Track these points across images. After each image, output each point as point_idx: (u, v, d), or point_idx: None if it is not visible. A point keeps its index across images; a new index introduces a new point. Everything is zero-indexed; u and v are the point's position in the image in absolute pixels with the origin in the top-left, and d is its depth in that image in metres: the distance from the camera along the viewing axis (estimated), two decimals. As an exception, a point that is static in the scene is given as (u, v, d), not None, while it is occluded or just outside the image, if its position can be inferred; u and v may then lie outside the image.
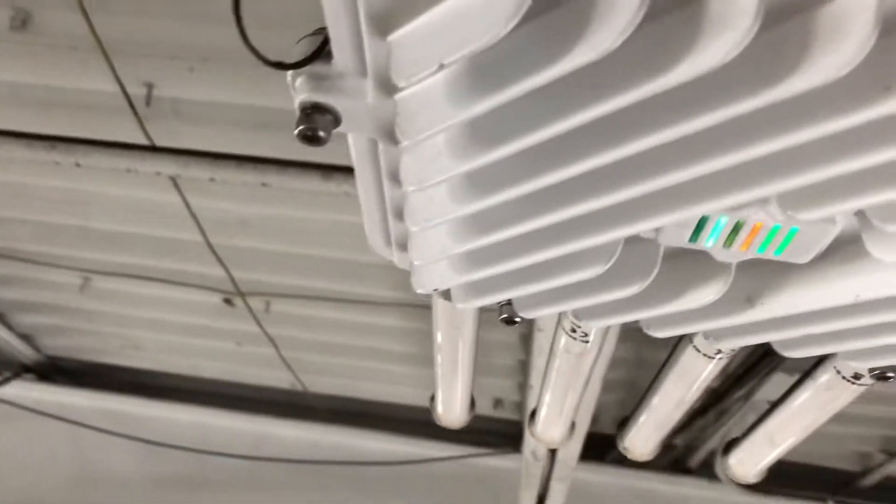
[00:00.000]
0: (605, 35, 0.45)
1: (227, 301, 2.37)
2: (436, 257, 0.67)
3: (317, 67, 0.59)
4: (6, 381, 2.68)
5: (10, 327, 2.66)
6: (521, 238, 0.64)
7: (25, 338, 2.72)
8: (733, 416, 2.32)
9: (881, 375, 0.78)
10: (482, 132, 0.57)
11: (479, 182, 0.60)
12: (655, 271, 0.67)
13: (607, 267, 0.65)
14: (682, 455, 2.57)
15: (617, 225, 0.61)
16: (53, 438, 2.76)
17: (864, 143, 0.50)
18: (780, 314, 0.69)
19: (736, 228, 0.63)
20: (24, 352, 2.75)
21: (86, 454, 2.85)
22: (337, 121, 0.60)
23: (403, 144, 0.58)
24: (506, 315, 0.80)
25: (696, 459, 2.51)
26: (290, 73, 0.60)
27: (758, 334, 0.73)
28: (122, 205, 2.00)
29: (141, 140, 1.73)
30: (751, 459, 1.24)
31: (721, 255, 0.67)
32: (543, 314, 0.73)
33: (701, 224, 0.63)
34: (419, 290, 0.73)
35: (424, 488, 2.75)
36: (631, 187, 0.57)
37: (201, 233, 2.00)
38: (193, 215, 1.96)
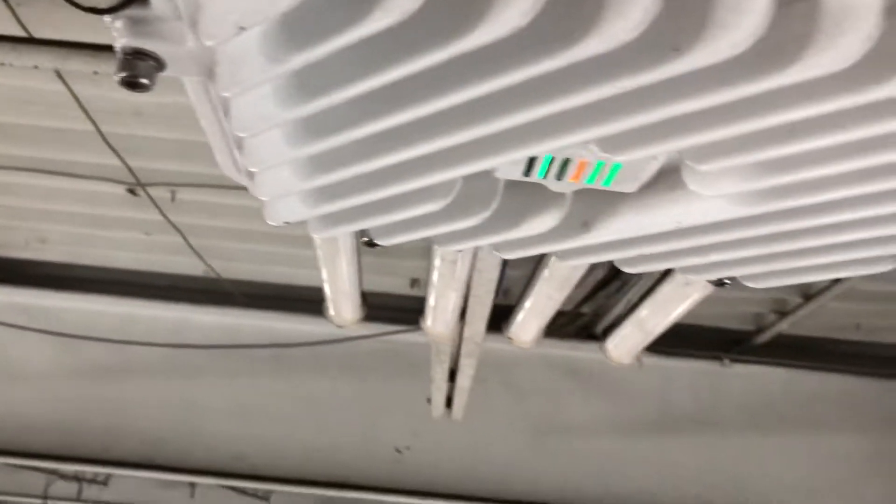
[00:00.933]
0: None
1: (131, 192, 2.33)
2: (281, 194, 0.69)
3: (135, 11, 0.58)
4: None
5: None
6: (363, 175, 0.66)
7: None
8: (634, 286, 2.44)
9: (718, 283, 0.85)
10: (307, 82, 0.57)
11: (313, 126, 0.62)
12: (495, 203, 0.70)
13: (448, 202, 0.68)
14: (590, 322, 2.69)
15: (450, 165, 0.63)
16: (-37, 336, 2.74)
17: (662, 97, 0.53)
18: (613, 238, 0.73)
19: (564, 164, 0.66)
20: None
21: (1, 351, 2.84)
22: (160, 65, 0.59)
23: (226, 94, 0.58)
24: (366, 238, 0.83)
25: (603, 326, 2.64)
26: (106, 17, 0.59)
27: (599, 254, 0.78)
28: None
29: (16, 31, 1.64)
30: (625, 344, 1.33)
31: (555, 186, 0.70)
32: (399, 241, 0.76)
33: (532, 161, 0.66)
34: (271, 223, 0.75)
35: (344, 366, 2.84)
36: (457, 133, 0.59)
37: (92, 123, 1.94)
38: (82, 106, 1.90)
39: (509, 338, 1.35)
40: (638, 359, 1.35)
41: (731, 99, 0.52)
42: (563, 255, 0.81)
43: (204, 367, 2.95)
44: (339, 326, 1.37)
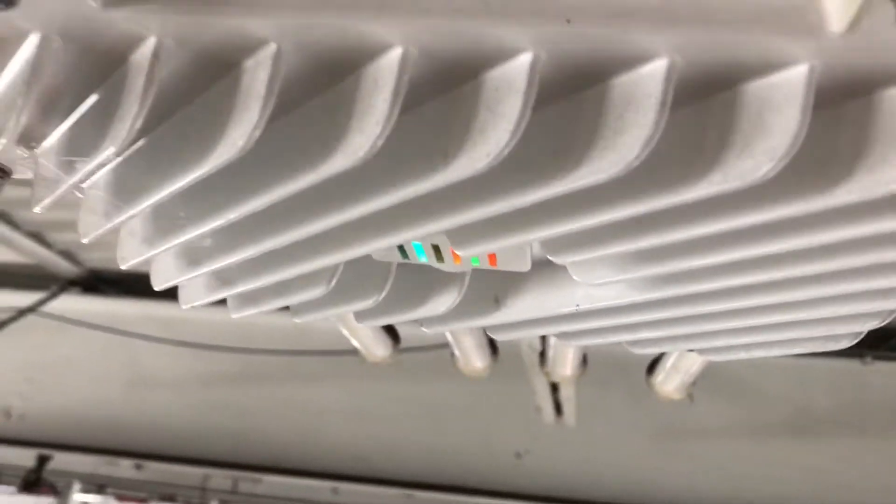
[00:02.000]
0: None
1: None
2: (173, 282, 0.69)
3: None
4: (54, 295, 2.89)
5: (49, 245, 2.83)
6: (235, 267, 0.65)
7: (65, 254, 2.90)
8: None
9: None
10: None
11: (162, 227, 0.61)
12: (388, 286, 0.67)
13: (329, 288, 0.65)
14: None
15: (305, 259, 0.60)
16: (105, 346, 3.00)
17: (465, 198, 0.48)
18: (524, 317, 0.67)
19: (436, 249, 0.61)
20: (66, 267, 2.94)
21: (137, 360, 3.08)
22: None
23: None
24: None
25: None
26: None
27: (522, 331, 0.73)
28: None
29: None
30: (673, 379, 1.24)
31: (447, 267, 0.65)
32: (314, 319, 0.74)
33: (402, 248, 0.62)
34: (184, 306, 0.75)
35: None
36: (293, 232, 0.56)
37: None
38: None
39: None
40: (689, 393, 1.26)
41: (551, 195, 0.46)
42: (491, 330, 0.76)
43: (324, 373, 3.05)
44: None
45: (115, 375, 3.11)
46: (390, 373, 2.95)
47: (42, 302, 2.91)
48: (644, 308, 0.62)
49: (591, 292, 0.62)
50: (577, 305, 0.62)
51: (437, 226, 0.52)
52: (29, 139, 0.55)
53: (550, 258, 0.55)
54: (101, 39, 0.45)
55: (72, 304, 2.99)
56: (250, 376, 3.08)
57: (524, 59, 0.42)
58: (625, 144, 0.41)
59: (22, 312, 2.97)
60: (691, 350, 0.75)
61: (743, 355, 0.69)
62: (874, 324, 0.61)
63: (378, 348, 1.31)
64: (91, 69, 0.48)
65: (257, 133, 0.44)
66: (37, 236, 2.82)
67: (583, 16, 0.39)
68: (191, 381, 3.11)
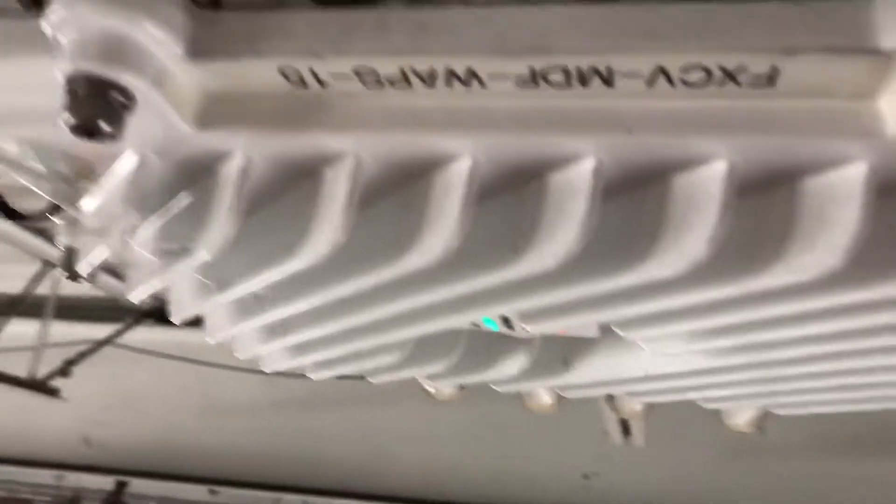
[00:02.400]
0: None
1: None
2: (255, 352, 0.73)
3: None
4: (129, 327, 2.99)
5: (122, 279, 2.94)
6: (317, 339, 0.68)
7: (139, 288, 3.00)
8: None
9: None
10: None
11: (246, 306, 0.64)
12: (459, 352, 0.69)
13: (405, 355, 0.68)
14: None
15: (387, 332, 0.64)
16: (179, 375, 3.08)
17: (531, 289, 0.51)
18: (592, 379, 0.69)
19: (506, 319, 0.64)
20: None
21: (209, 387, 3.16)
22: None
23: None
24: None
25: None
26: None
27: (591, 390, 0.74)
28: None
29: None
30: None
31: (516, 333, 0.68)
32: (384, 380, 0.77)
33: (474, 318, 0.65)
34: (267, 371, 0.79)
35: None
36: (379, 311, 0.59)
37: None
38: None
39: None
40: (759, 426, 1.24)
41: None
42: (559, 389, 0.77)
43: (393, 398, 3.09)
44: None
45: (188, 403, 3.20)
46: (458, 393, 2.99)
47: (118, 333, 3.01)
48: (713, 372, 0.63)
49: (660, 358, 0.63)
50: (646, 372, 0.64)
51: (506, 308, 0.55)
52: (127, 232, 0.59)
53: (619, 333, 0.57)
54: (194, 155, 0.49)
55: (146, 335, 3.10)
56: (320, 402, 3.14)
57: (587, 165, 0.44)
58: (689, 243, 0.43)
59: (99, 344, 3.07)
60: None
61: (815, 410, 0.70)
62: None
63: (447, 388, 1.34)
64: (184, 177, 0.52)
65: (340, 240, 0.47)
66: (112, 272, 2.93)
67: (643, 126, 0.42)
68: (262, 408, 3.19)
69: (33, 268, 2.78)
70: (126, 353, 3.02)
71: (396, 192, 0.50)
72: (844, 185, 0.42)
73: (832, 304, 0.47)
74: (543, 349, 0.70)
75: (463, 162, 0.45)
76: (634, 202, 0.47)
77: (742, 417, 1.28)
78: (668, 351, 0.59)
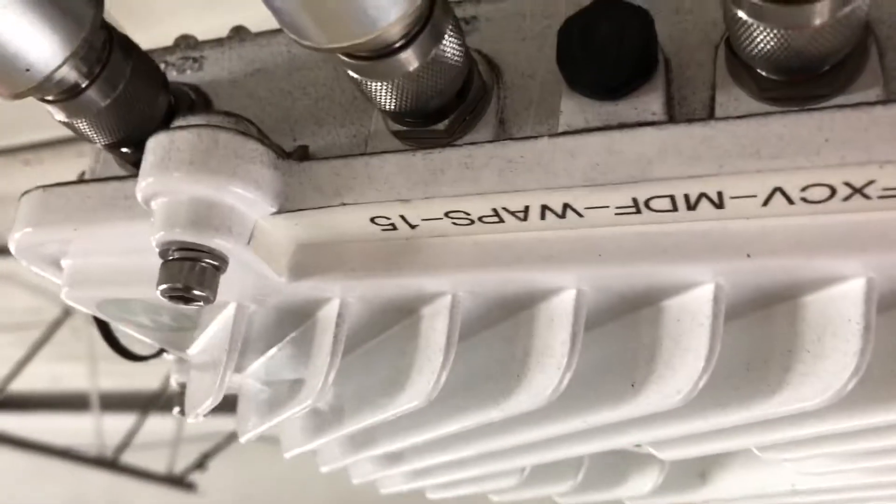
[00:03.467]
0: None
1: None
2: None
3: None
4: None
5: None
6: (432, 466, 0.66)
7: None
8: None
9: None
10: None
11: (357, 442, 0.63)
12: (584, 469, 0.66)
13: (525, 478, 0.66)
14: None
15: (500, 462, 0.61)
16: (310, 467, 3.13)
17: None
18: (732, 494, 0.64)
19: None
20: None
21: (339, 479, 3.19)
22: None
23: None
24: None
25: None
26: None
27: None
28: None
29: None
30: None
31: (643, 450, 0.64)
32: (510, 500, 0.74)
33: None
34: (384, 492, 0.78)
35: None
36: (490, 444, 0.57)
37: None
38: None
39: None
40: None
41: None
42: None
43: None
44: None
45: (323, 494, 3.24)
46: None
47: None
48: (866, 487, 0.57)
49: (807, 475, 0.58)
50: (793, 485, 0.59)
51: (629, 440, 0.51)
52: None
53: (761, 457, 0.52)
54: (292, 301, 0.49)
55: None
56: None
57: (706, 291, 0.41)
58: (828, 372, 0.39)
59: (233, 436, 3.17)
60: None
61: None
62: None
63: None
64: (285, 320, 0.52)
65: (442, 380, 0.45)
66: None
67: (763, 249, 0.38)
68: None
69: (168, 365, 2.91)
70: (261, 445, 3.10)
71: (497, 322, 0.48)
72: None
73: None
74: (677, 463, 0.66)
75: (567, 294, 0.43)
76: (760, 320, 0.43)
77: None
78: (813, 470, 0.54)
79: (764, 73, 0.39)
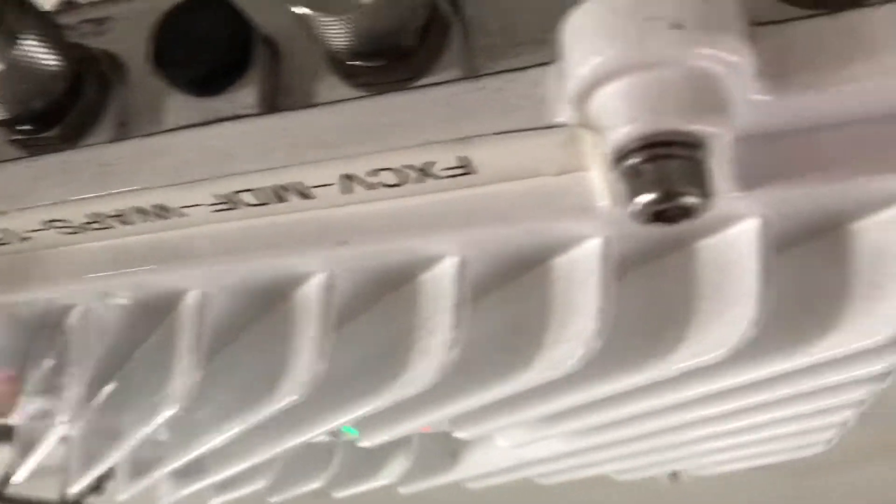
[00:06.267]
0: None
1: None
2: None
3: None
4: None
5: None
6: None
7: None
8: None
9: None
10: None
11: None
12: (335, 464, 0.67)
13: (274, 477, 0.67)
14: None
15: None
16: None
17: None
18: (489, 469, 0.67)
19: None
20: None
21: None
22: None
23: None
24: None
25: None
26: None
27: (491, 479, 0.71)
28: None
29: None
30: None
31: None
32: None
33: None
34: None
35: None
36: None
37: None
38: None
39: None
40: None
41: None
42: (465, 483, 0.75)
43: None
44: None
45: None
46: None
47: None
48: (581, 453, 0.60)
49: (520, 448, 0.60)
50: (520, 458, 0.61)
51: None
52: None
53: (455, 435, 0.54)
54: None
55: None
56: None
57: (317, 280, 0.42)
58: (425, 361, 0.41)
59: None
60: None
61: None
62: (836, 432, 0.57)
63: None
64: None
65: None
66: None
67: (359, 236, 0.40)
68: None
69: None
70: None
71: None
72: (584, 263, 0.39)
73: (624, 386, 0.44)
74: (425, 446, 0.68)
75: (191, 295, 0.44)
76: (385, 310, 0.45)
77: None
78: (518, 442, 0.56)
79: (347, 61, 0.41)
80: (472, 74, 0.40)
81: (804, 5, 0.37)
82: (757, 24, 0.34)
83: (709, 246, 0.40)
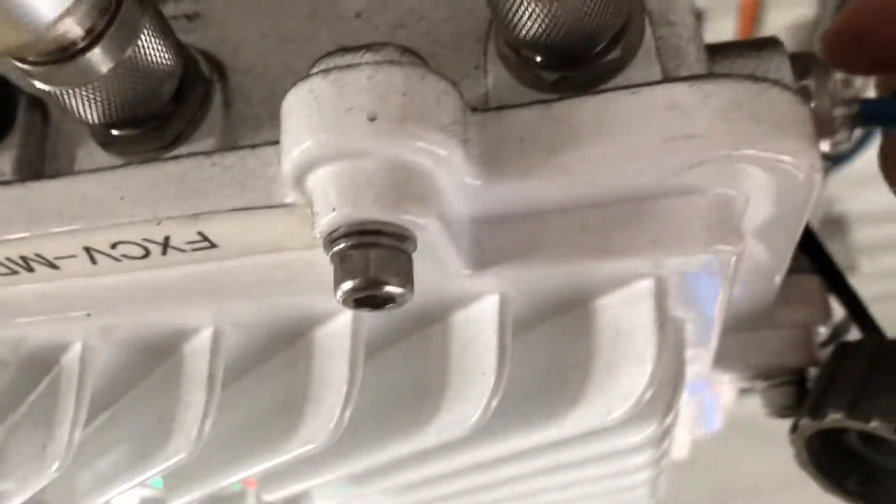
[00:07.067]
0: None
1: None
2: None
3: None
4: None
5: None
6: None
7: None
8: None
9: None
10: None
11: None
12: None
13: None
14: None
15: None
16: None
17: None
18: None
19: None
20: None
21: None
22: None
23: None
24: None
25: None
26: None
27: None
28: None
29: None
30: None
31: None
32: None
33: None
34: None
35: None
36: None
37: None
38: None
39: None
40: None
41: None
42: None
43: None
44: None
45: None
46: None
47: None
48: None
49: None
50: None
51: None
52: None
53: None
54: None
55: None
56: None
57: (74, 351, 0.42)
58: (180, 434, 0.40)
59: None
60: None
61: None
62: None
63: None
64: None
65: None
66: None
67: (103, 308, 0.39)
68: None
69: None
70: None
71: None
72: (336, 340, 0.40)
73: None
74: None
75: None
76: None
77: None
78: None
79: (101, 130, 0.40)
80: (229, 146, 0.40)
81: (542, 89, 0.38)
82: (481, 111, 0.35)
83: (458, 320, 0.40)
